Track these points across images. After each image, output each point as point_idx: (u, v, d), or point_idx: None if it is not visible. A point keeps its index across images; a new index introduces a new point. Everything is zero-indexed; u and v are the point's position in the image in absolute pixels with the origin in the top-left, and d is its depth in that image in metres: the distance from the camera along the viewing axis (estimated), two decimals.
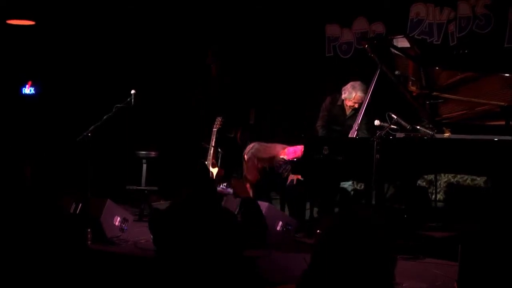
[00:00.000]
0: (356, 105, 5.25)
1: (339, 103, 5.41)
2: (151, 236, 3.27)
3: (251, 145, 5.50)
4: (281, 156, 5.24)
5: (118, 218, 4.75)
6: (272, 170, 5.29)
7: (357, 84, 5.28)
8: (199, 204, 3.02)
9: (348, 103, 5.34)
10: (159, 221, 3.13)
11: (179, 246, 2.89)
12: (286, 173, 5.15)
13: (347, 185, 5.28)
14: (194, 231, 2.92)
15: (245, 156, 5.45)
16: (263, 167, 5.35)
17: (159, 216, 3.23)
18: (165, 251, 2.96)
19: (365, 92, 5.08)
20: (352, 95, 5.27)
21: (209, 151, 5.91)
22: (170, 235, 2.96)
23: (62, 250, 3.81)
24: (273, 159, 5.28)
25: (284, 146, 5.34)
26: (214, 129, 6.02)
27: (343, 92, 5.36)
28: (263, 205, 4.77)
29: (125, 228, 4.78)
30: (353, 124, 4.98)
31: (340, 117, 5.43)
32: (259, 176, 5.37)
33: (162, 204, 6.09)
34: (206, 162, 5.86)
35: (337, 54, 6.83)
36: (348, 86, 5.32)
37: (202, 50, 7.31)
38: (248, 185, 5.36)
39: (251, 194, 5.27)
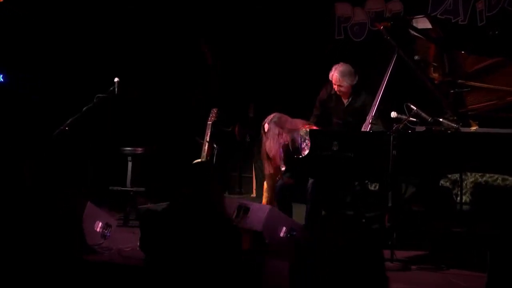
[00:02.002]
0: (336, 88, 5.32)
1: (332, 92, 5.44)
2: (139, 242, 3.28)
3: (271, 116, 5.37)
4: (303, 129, 5.16)
5: (100, 223, 4.75)
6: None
7: (339, 65, 5.34)
8: (200, 207, 3.03)
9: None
10: (153, 223, 3.14)
11: (173, 254, 2.91)
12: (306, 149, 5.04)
13: None
14: (192, 237, 2.93)
15: (265, 126, 5.26)
16: (285, 143, 5.20)
17: (153, 217, 3.24)
18: (157, 258, 2.98)
19: (345, 74, 5.21)
20: (331, 73, 5.34)
21: (203, 147, 5.92)
22: (165, 241, 2.97)
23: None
24: (294, 131, 5.17)
25: (306, 122, 5.32)
26: (208, 122, 6.04)
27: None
28: (264, 208, 4.79)
29: (108, 234, 4.78)
30: (352, 114, 4.97)
31: (338, 108, 5.46)
32: (281, 154, 5.18)
33: (158, 206, 6.10)
34: (200, 159, 5.87)
35: (348, 37, 6.83)
36: (333, 67, 5.38)
37: (195, 33, 7.32)
38: (268, 166, 5.26)
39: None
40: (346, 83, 5.30)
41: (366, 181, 5.41)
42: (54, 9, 7.01)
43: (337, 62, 5.45)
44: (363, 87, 5.44)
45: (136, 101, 6.99)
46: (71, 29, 7.11)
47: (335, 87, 5.35)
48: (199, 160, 5.91)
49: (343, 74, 5.27)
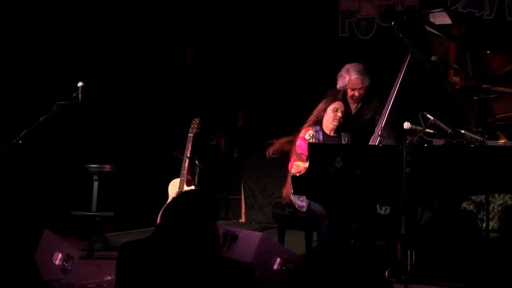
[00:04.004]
0: (356, 93, 5.36)
1: (339, 96, 5.44)
2: (116, 283, 3.20)
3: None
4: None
5: (60, 255, 4.71)
6: None
7: (352, 65, 5.38)
8: (189, 238, 2.99)
9: (349, 93, 5.41)
10: (133, 260, 3.07)
11: None
12: None
13: None
14: (185, 275, 2.89)
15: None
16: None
17: (133, 252, 3.16)
18: None
19: (363, 74, 5.24)
20: (345, 80, 5.37)
21: (183, 164, 5.89)
22: (149, 280, 2.92)
23: None
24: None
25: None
26: (190, 134, 6.01)
27: (337, 82, 5.44)
28: (255, 235, 4.74)
29: (69, 268, 4.74)
30: (360, 124, 4.96)
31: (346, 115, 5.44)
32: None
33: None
34: (180, 178, 5.85)
35: (354, 34, 6.84)
36: (342, 71, 5.42)
37: (175, 29, 7.32)
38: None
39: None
40: (366, 83, 5.35)
41: (376, 204, 5.38)
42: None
43: (341, 64, 5.45)
44: (374, 92, 5.45)
45: (104, 109, 6.98)
46: (27, 24, 7.07)
47: (354, 92, 5.37)
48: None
49: (362, 73, 5.32)
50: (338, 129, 5.25)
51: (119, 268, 3.15)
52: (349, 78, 5.36)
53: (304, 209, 5.12)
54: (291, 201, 5.19)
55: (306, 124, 5.26)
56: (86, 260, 5.32)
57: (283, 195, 5.29)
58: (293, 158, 5.20)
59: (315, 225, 5.22)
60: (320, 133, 5.20)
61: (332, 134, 5.21)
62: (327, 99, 5.28)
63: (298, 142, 5.19)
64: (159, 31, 7.33)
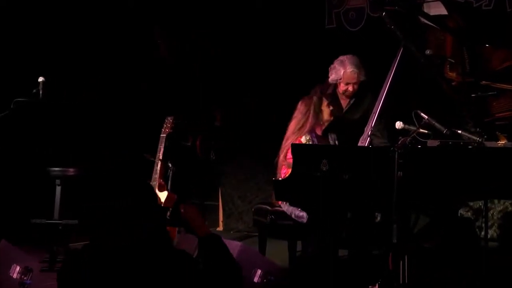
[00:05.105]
0: (350, 88, 5.39)
1: (329, 91, 5.47)
2: None
3: None
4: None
5: (18, 268, 4.67)
6: None
7: (347, 57, 5.39)
8: (143, 246, 2.94)
9: (341, 87, 5.42)
10: (75, 273, 3.03)
11: None
12: None
13: None
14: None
15: None
16: None
17: (76, 264, 3.13)
18: None
19: (359, 67, 5.26)
20: (340, 72, 5.37)
21: (155, 167, 5.88)
22: None
23: None
24: None
25: None
26: (162, 135, 6.00)
27: (329, 74, 5.44)
28: (234, 245, 4.72)
29: (28, 282, 4.69)
30: (351, 123, 4.98)
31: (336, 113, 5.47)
32: None
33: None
34: (152, 183, 5.82)
35: (342, 26, 6.85)
36: (335, 63, 5.41)
37: (147, 19, 7.30)
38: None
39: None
40: (362, 77, 5.37)
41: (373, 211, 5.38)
42: None
43: (332, 58, 5.45)
44: (368, 88, 5.47)
45: (68, 106, 6.94)
46: None
47: (348, 87, 5.40)
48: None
49: (359, 66, 5.33)
50: (326, 130, 5.25)
51: (60, 280, 3.10)
52: (344, 71, 5.36)
53: (305, 220, 5.10)
54: (284, 211, 5.18)
55: (293, 136, 5.21)
56: (47, 273, 5.22)
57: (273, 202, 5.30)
58: (284, 168, 5.17)
59: (300, 234, 5.22)
60: (314, 137, 5.18)
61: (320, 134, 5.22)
62: (304, 101, 5.27)
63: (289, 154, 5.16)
64: (132, 20, 7.31)
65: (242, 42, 7.20)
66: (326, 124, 5.25)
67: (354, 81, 5.36)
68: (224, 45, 7.26)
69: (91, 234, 2.97)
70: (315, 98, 5.29)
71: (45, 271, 5.26)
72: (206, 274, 3.14)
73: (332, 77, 5.43)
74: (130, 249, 2.94)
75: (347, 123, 5.42)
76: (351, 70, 5.33)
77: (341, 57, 5.42)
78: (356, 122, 5.36)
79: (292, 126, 5.28)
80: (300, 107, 5.29)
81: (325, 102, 5.22)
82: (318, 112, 5.22)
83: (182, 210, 3.28)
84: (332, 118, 5.23)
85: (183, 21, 7.35)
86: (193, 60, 7.40)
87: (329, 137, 5.33)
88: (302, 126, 5.23)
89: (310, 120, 5.21)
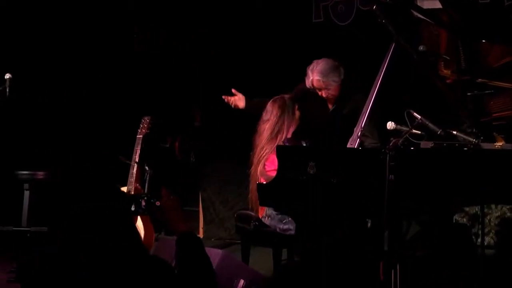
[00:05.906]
0: (323, 94, 5.43)
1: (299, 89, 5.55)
2: None
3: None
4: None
5: None
6: None
7: (317, 62, 5.42)
8: (114, 250, 2.93)
9: (318, 93, 5.47)
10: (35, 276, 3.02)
11: None
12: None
13: None
14: None
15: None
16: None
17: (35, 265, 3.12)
18: None
19: (327, 74, 5.28)
20: (308, 80, 5.42)
21: (131, 170, 5.87)
22: None
23: None
24: None
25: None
26: (138, 136, 6.01)
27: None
28: (215, 253, 4.71)
29: None
30: (339, 123, 5.03)
31: (322, 115, 5.53)
32: None
33: None
34: (127, 187, 5.81)
35: (330, 20, 6.86)
36: (309, 67, 5.45)
37: (126, 15, 7.31)
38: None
39: None
40: (334, 83, 5.39)
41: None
42: None
43: (320, 54, 5.47)
44: (357, 86, 5.49)
45: (37, 105, 6.92)
46: None
47: (322, 93, 5.44)
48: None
49: (325, 73, 5.34)
50: (298, 136, 5.25)
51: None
52: (312, 78, 5.42)
53: (292, 232, 5.10)
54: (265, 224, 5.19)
55: (270, 143, 5.21)
56: (15, 285, 5.22)
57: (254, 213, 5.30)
58: (262, 181, 5.16)
59: (286, 242, 5.22)
60: (286, 142, 5.19)
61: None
62: (276, 102, 5.29)
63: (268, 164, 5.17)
64: (109, 15, 7.31)
65: (224, 39, 7.22)
66: (295, 126, 5.26)
67: (324, 86, 5.39)
68: (223, 45, 7.28)
69: (87, 235, 2.97)
70: (287, 98, 5.30)
71: (11, 282, 5.24)
72: (180, 277, 3.14)
73: (306, 84, 5.48)
74: (130, 249, 2.94)
75: (333, 127, 5.43)
76: (317, 78, 5.37)
77: (314, 62, 5.46)
78: (344, 124, 5.35)
79: (268, 131, 5.27)
80: (273, 109, 5.28)
81: (296, 105, 5.25)
82: (293, 114, 5.24)
83: (163, 197, 3.28)
84: (299, 122, 5.26)
85: (183, 21, 7.37)
86: (193, 60, 7.43)
87: (302, 143, 5.34)
88: (279, 130, 5.23)
89: (286, 123, 5.22)
